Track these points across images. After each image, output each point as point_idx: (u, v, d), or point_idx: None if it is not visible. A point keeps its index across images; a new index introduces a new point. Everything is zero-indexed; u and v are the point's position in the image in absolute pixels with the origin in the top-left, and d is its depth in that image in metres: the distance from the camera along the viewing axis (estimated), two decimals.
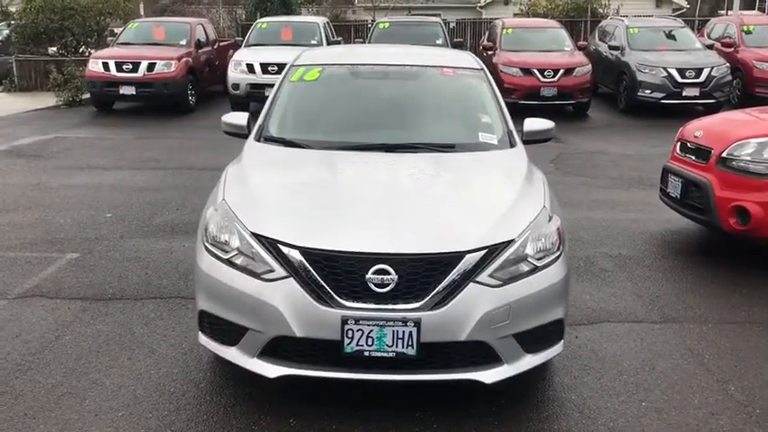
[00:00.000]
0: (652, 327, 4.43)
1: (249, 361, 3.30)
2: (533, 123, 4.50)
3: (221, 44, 15.90)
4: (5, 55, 17.58)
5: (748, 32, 14.67)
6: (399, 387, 3.45)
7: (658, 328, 4.40)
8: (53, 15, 17.25)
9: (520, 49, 13.83)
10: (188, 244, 5.89)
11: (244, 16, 21.08)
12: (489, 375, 3.24)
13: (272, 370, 3.25)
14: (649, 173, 8.62)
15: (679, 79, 12.83)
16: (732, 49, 14.27)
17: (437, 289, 3.12)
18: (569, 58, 13.64)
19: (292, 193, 3.61)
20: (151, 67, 12.94)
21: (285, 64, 12.82)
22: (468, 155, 4.11)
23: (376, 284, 3.11)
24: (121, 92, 12.96)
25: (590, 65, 13.50)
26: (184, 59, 13.36)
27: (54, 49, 18.24)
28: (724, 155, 5.47)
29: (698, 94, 12.87)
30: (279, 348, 3.25)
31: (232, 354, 3.37)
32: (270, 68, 12.88)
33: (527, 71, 12.91)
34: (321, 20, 14.85)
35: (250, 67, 12.98)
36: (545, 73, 12.89)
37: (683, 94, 12.87)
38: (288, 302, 3.15)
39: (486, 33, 16.36)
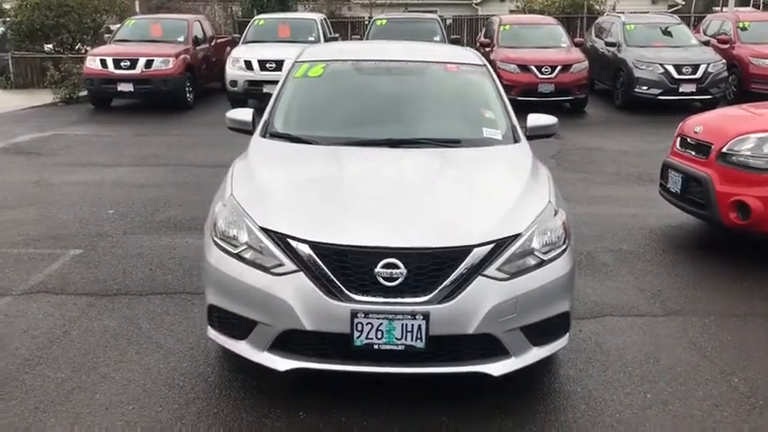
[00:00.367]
0: (655, 320, 4.47)
1: (259, 354, 3.33)
2: (537, 119, 4.54)
3: (218, 41, 15.89)
4: (1, 52, 17.52)
5: (744, 29, 14.74)
6: (407, 380, 3.47)
7: (661, 322, 4.44)
8: (48, 12, 17.22)
9: (517, 45, 13.86)
10: (191, 240, 5.92)
11: (240, 13, 21.05)
12: (497, 368, 3.27)
13: (281, 363, 3.28)
14: (647, 169, 8.67)
15: (676, 75, 12.88)
16: (728, 45, 14.35)
17: (445, 282, 3.15)
18: (566, 54, 13.68)
19: (300, 188, 3.64)
20: (149, 63, 12.93)
21: (283, 61, 13.07)
22: (472, 150, 4.14)
23: (385, 278, 3.14)
24: (119, 89, 12.95)
25: (587, 61, 13.55)
26: (182, 56, 13.35)
27: (50, 46, 18.19)
28: (724, 150, 5.51)
29: (694, 91, 12.93)
30: (288, 342, 3.28)
31: (241, 347, 3.40)
32: (268, 65, 12.90)
33: (524, 68, 12.95)
34: (318, 16, 14.86)
35: (248, 64, 12.99)
36: (542, 69, 12.93)
37: (680, 90, 12.93)
38: (297, 296, 3.18)
39: (483, 30, 16.40)
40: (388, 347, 3.17)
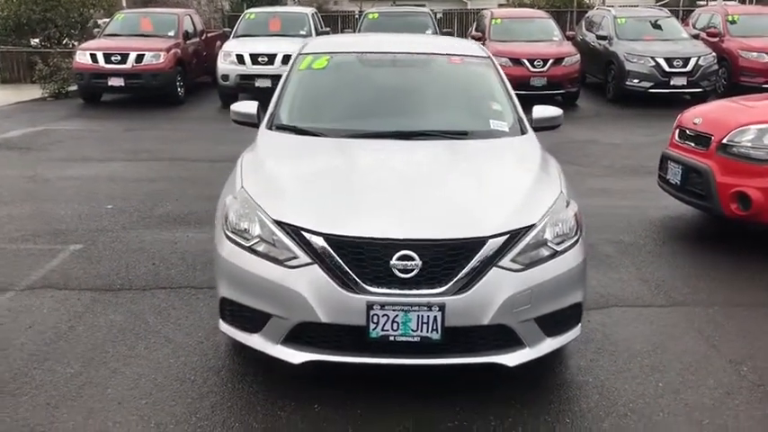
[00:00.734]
0: (660, 310, 4.50)
1: (273, 347, 3.32)
2: (542, 110, 4.55)
3: (209, 35, 15.79)
4: None
5: (733, 22, 14.83)
6: (421, 371, 3.47)
7: (666, 312, 4.47)
8: (35, 6, 17.06)
9: (509, 39, 13.87)
10: (191, 234, 5.89)
11: (228, 6, 20.93)
12: (512, 358, 3.28)
13: (296, 356, 3.27)
14: (642, 161, 8.73)
15: (667, 69, 12.95)
16: (717, 38, 14.43)
17: (461, 274, 3.15)
18: (558, 48, 13.72)
19: (313, 180, 3.62)
20: (140, 58, 12.83)
21: (275, 55, 13.01)
22: (481, 142, 4.15)
23: (400, 270, 3.14)
24: (110, 83, 12.84)
25: (579, 55, 13.59)
26: (173, 51, 13.26)
27: (36, 40, 18.01)
28: (724, 141, 5.54)
29: (685, 84, 13.01)
30: (303, 334, 3.27)
31: (255, 341, 3.38)
32: (260, 59, 12.84)
33: (517, 61, 12.96)
34: (309, 10, 14.80)
35: (240, 58, 12.92)
36: (535, 63, 12.95)
37: (671, 83, 13.00)
38: (312, 289, 3.17)
39: (475, 24, 16.40)
40: (403, 339, 3.16)
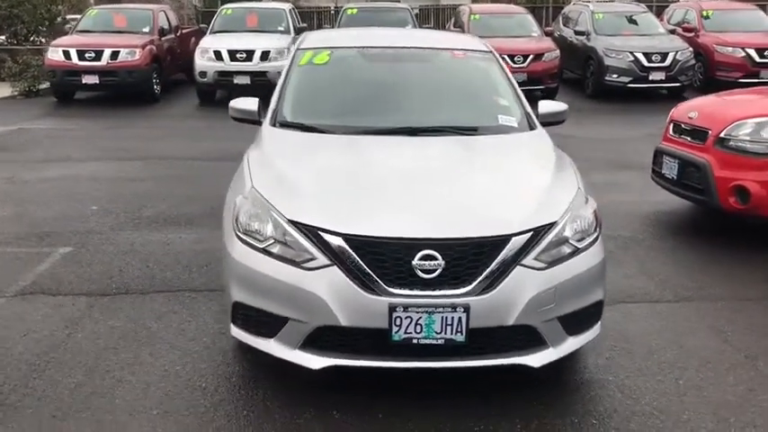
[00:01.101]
0: (669, 306, 4.47)
1: (290, 352, 3.20)
2: (548, 106, 4.49)
3: (183, 31, 15.51)
4: None
5: (707, 17, 14.99)
6: (443, 373, 3.38)
7: (676, 307, 4.44)
8: (1, 3, 16.56)
9: (488, 35, 13.72)
10: (183, 235, 5.73)
11: (195, 2, 20.60)
12: (536, 359, 3.21)
13: (315, 361, 3.16)
14: (628, 155, 8.76)
15: (645, 63, 13.03)
16: (693, 33, 14.56)
17: (484, 273, 3.07)
18: (538, 43, 13.73)
19: (327, 179, 3.50)
20: (115, 55, 12.53)
21: (254, 51, 12.82)
22: (492, 138, 4.07)
23: (423, 270, 3.04)
24: (84, 81, 12.52)
25: (558, 50, 13.62)
26: (149, 47, 12.98)
27: (2, 37, 17.52)
28: (722, 135, 5.55)
29: (663, 78, 13.11)
30: (321, 339, 3.15)
31: (270, 346, 3.26)
32: (238, 55, 12.64)
33: None
34: (286, 6, 14.60)
35: (218, 55, 12.69)
36: (515, 59, 12.92)
37: (650, 78, 13.09)
38: (332, 291, 3.06)
39: (452, 19, 16.35)
40: (427, 342, 3.07)
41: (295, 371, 3.21)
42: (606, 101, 13.27)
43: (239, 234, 3.33)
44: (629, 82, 13.13)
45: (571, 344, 3.33)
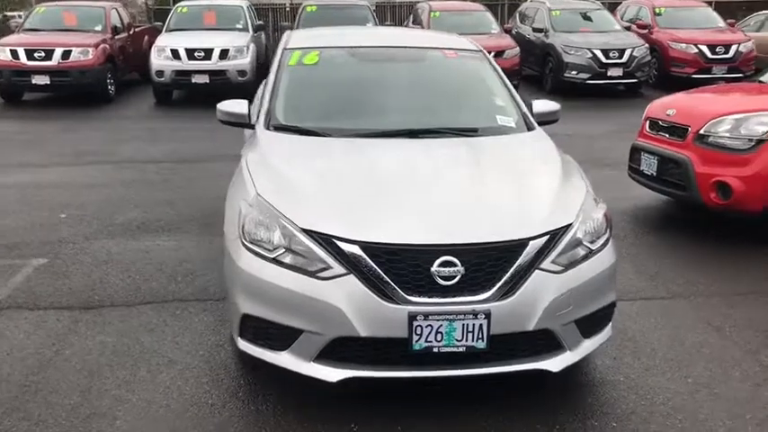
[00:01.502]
0: (664, 303, 4.50)
1: (305, 365, 3.09)
2: (543, 105, 4.47)
3: (136, 29, 15.07)
4: None
5: (659, 14, 15.30)
6: (459, 381, 3.31)
7: (671, 304, 4.48)
8: None
9: (448, 32, 13.82)
10: (162, 243, 5.53)
11: (150, 0, 20.10)
12: (555, 363, 3.17)
13: (332, 373, 3.05)
14: (596, 152, 8.85)
15: (604, 60, 13.22)
16: (647, 30, 14.84)
17: (504, 278, 3.02)
18: (498, 40, 13.80)
19: (336, 185, 3.39)
20: (66, 54, 12.06)
21: (212, 49, 12.53)
22: (494, 139, 4.02)
23: (442, 277, 2.97)
24: (34, 81, 12.01)
25: (518, 47, 13.71)
26: (102, 46, 12.54)
27: None
28: (702, 132, 5.63)
29: (621, 74, 13.32)
30: (337, 350, 3.05)
31: (283, 359, 3.14)
32: (196, 54, 12.32)
33: None
34: (244, 3, 14.32)
35: (175, 54, 12.34)
36: None
37: (608, 74, 13.28)
38: (349, 301, 2.96)
39: (411, 17, 16.31)
40: (448, 350, 3.00)
41: (304, 383, 3.10)
42: (565, 97, 13.28)
43: (246, 243, 3.19)
44: (588, 78, 13.30)
45: (587, 346, 3.31)
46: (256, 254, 3.15)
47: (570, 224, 3.21)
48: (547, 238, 3.11)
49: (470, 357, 3.05)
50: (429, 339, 2.98)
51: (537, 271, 3.07)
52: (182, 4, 14.15)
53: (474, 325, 2.98)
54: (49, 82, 12.07)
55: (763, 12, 16.67)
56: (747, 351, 3.86)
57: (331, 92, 4.36)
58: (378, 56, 4.62)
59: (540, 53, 14.32)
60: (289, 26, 14.83)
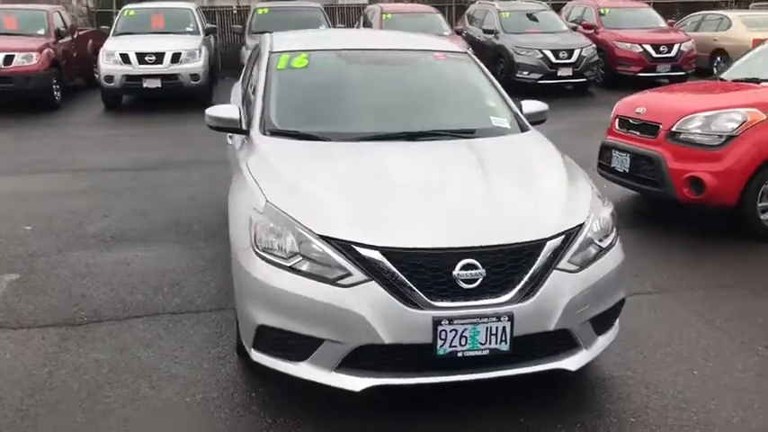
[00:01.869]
0: (653, 298, 4.60)
1: (326, 375, 3.03)
2: (532, 105, 4.49)
3: (80, 33, 14.59)
4: None
5: (603, 14, 15.70)
6: (470, 385, 3.30)
7: (660, 299, 4.57)
8: None
9: None
10: (139, 253, 5.35)
11: (91, 2, 19.47)
12: (572, 362, 3.20)
13: (356, 383, 3.00)
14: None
15: (554, 60, 13.47)
16: (593, 30, 15.20)
17: (524, 279, 3.02)
18: (450, 42, 13.86)
19: (348, 190, 3.32)
20: (8, 59, 11.56)
21: (164, 53, 12.25)
22: (494, 140, 4.02)
23: (464, 280, 2.96)
24: None
25: (471, 48, 13.80)
26: (46, 51, 12.07)
27: None
28: (674, 129, 5.78)
29: (571, 74, 13.61)
30: (359, 358, 3.00)
31: (302, 370, 3.07)
32: (147, 58, 12.00)
33: None
34: (192, 5, 14.04)
35: (125, 58, 11.99)
36: None
37: (558, 74, 13.54)
38: (372, 308, 2.92)
39: (361, 19, 16.29)
40: (471, 353, 2.99)
41: (317, 391, 3.05)
42: (516, 98, 13.58)
43: (259, 252, 3.11)
44: (540, 78, 13.53)
45: (600, 344, 3.35)
46: (271, 262, 3.07)
47: (583, 223, 3.24)
48: (563, 237, 3.13)
49: (493, 360, 3.04)
50: (453, 344, 2.96)
51: (555, 271, 3.08)
52: (128, 7, 13.77)
53: (497, 327, 2.98)
54: None
55: (699, 12, 17.31)
56: (743, 342, 3.97)
57: (325, 95, 4.29)
58: (367, 58, 4.58)
59: (491, 54, 14.47)
60: (240, 29, 14.67)
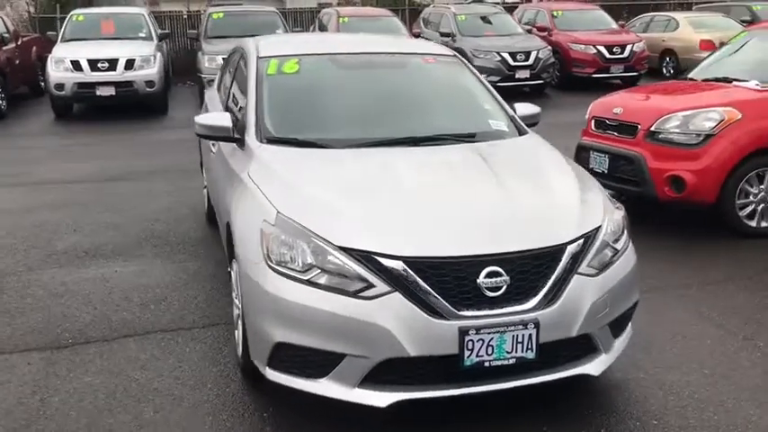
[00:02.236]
0: (648, 297, 4.52)
1: (349, 392, 2.91)
2: (525, 108, 4.45)
3: (24, 39, 14.04)
4: None
5: (556, 17, 15.94)
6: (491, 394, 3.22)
7: (655, 298, 4.57)
8: None
9: None
10: (118, 269, 5.13)
11: (32, 8, 18.79)
12: (595, 367, 3.17)
13: (381, 398, 2.89)
14: None
15: (512, 62, 13.58)
16: (547, 32, 15.40)
17: (548, 285, 2.97)
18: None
19: (362, 199, 3.21)
20: None
21: (117, 59, 11.86)
22: (497, 143, 3.96)
23: (488, 288, 2.89)
24: None
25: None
26: None
27: None
28: (653, 129, 5.84)
29: (528, 76, 13.74)
30: (382, 372, 2.89)
31: (322, 387, 2.95)
32: (100, 65, 11.63)
33: None
34: (143, 10, 13.67)
35: (76, 65, 11.58)
36: None
37: (516, 76, 13.65)
38: (397, 320, 2.82)
39: (316, 22, 16.11)
40: (498, 363, 2.92)
41: (332, 407, 2.96)
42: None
43: (273, 266, 2.97)
44: (498, 81, 13.57)
45: (618, 347, 3.32)
46: (286, 276, 2.94)
47: (600, 226, 3.21)
48: (582, 241, 3.10)
49: (518, 368, 2.98)
50: (480, 354, 2.88)
51: (576, 275, 3.04)
52: (77, 12, 13.31)
53: (524, 335, 2.92)
54: None
55: (648, 14, 17.75)
56: (743, 338, 4.01)
57: (320, 100, 4.17)
58: (358, 63, 4.47)
59: None
60: (195, 34, 14.33)
